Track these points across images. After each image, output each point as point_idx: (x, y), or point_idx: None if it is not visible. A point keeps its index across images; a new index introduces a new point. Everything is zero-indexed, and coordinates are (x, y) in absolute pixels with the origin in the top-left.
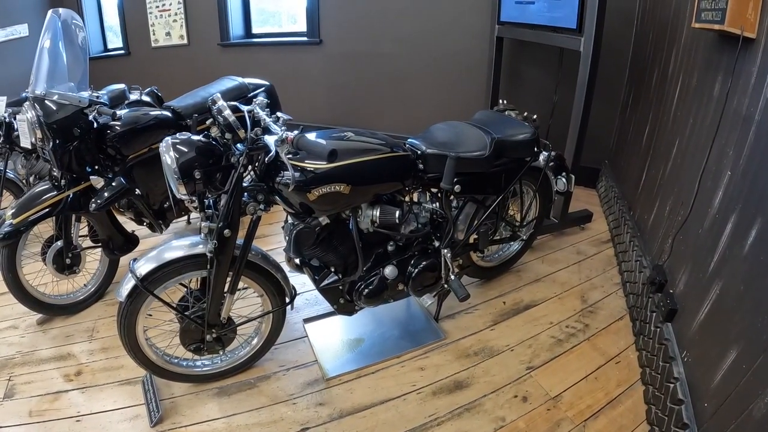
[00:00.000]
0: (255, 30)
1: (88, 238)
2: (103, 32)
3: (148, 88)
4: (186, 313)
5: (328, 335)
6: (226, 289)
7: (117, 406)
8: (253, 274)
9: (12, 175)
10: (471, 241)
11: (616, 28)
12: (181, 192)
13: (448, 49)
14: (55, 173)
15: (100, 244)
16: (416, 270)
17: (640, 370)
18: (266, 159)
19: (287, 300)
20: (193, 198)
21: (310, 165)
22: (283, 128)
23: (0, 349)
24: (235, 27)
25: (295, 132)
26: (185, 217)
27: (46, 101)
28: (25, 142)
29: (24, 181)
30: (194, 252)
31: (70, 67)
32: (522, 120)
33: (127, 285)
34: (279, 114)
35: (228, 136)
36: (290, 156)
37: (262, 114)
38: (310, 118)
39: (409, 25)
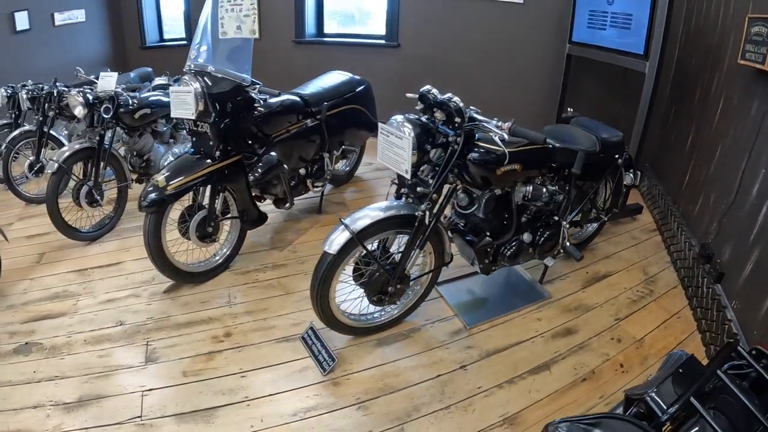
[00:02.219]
0: (326, 30)
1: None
2: (160, 23)
3: None
4: (383, 265)
5: (458, 296)
6: (416, 246)
7: (281, 360)
8: (431, 236)
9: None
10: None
11: None
12: (411, 162)
13: (517, 61)
14: (201, 147)
15: (230, 217)
16: (543, 237)
17: (695, 323)
18: (474, 141)
19: (446, 260)
20: (411, 170)
21: (507, 149)
22: (495, 119)
23: (126, 317)
24: (309, 25)
25: (508, 123)
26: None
27: (210, 75)
28: (183, 113)
29: (124, 157)
30: (403, 213)
31: (231, 46)
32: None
33: (340, 238)
34: (472, 107)
35: (452, 119)
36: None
37: (461, 105)
38: (384, 116)
39: (483, 36)
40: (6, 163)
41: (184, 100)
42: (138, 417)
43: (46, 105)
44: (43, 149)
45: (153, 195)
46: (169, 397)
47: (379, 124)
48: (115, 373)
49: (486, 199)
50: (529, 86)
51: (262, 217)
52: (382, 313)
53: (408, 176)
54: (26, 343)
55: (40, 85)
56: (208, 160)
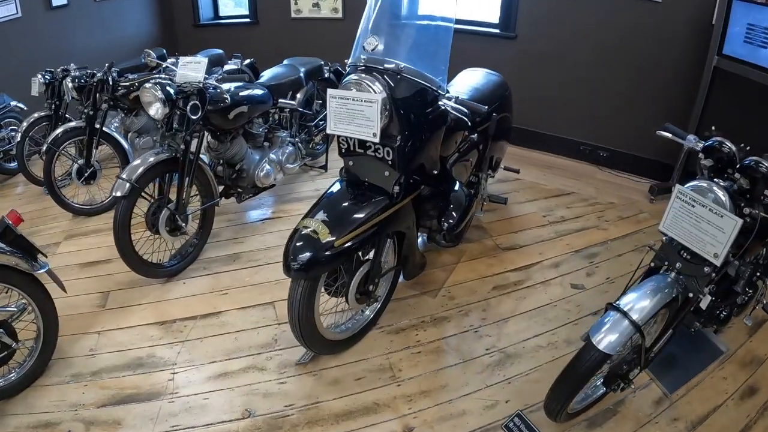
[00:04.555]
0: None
1: None
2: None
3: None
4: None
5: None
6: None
7: None
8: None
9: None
10: None
11: None
12: (727, 248)
13: (645, 67)
14: (368, 177)
15: (392, 268)
16: (748, 296)
17: None
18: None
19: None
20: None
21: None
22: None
23: (255, 403)
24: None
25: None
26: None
27: (393, 74)
28: (356, 131)
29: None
30: (674, 295)
31: (421, 36)
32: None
33: (618, 333)
34: None
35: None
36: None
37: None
38: None
39: (609, 35)
40: (48, 167)
41: (359, 112)
42: None
43: (98, 96)
44: (94, 150)
45: (309, 253)
46: None
47: (678, 186)
48: None
49: (748, 267)
50: (657, 95)
51: (424, 263)
52: (594, 389)
53: (718, 263)
54: None
55: (89, 71)
56: (382, 197)
